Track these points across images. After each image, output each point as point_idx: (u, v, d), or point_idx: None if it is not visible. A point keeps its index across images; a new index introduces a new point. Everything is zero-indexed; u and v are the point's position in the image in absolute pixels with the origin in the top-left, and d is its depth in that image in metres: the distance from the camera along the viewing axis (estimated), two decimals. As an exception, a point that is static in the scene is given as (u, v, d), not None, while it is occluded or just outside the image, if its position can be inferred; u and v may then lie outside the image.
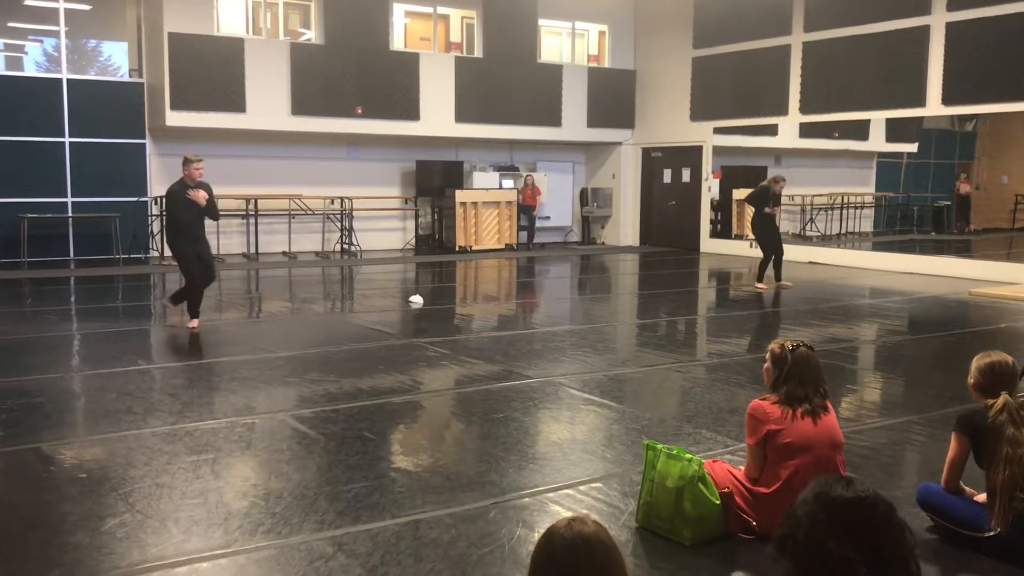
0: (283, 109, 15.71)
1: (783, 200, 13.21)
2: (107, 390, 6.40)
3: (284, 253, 16.68)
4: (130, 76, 16.26)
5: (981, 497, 3.79)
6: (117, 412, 5.80)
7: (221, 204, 15.83)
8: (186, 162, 8.84)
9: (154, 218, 15.64)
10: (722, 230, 18.88)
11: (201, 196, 8.75)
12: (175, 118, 14.87)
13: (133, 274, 13.90)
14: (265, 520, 4.02)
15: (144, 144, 15.68)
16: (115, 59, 17.06)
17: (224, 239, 16.30)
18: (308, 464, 4.83)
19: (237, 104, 15.28)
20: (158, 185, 15.83)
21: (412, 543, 3.79)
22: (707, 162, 18.23)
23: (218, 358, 7.59)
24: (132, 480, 4.52)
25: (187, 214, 8.81)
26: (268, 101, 15.52)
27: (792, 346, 3.89)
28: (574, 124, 18.81)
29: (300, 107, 15.80)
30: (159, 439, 5.22)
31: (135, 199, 15.46)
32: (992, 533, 3.62)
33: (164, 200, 8.97)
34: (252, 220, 16.39)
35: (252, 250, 16.43)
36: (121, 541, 3.79)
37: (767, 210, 12.38)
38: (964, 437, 3.81)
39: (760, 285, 12.38)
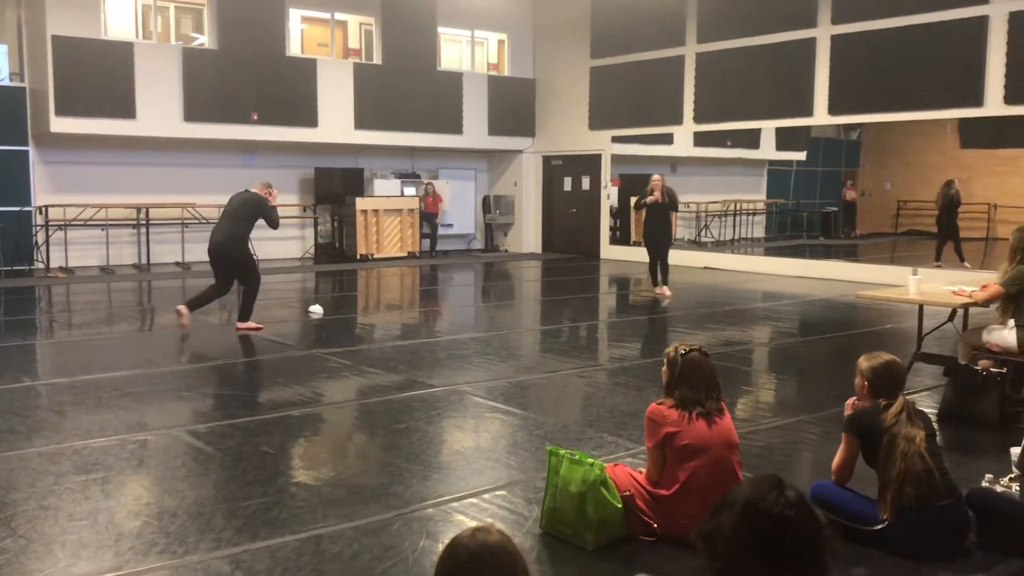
0: (175, 115, 15.28)
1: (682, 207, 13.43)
2: (-13, 409, 6.09)
3: (177, 263, 16.21)
4: (11, 80, 15.56)
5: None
6: (-2, 432, 5.53)
7: (110, 213, 15.51)
8: (270, 186, 9.96)
9: (39, 228, 15.01)
10: (621, 237, 19.20)
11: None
12: (60, 124, 14.31)
13: (17, 287, 13.28)
14: (159, 540, 3.88)
15: (27, 151, 15.04)
16: (-6, 62, 16.30)
17: (114, 249, 15.76)
18: (204, 481, 4.69)
19: (126, 110, 14.80)
20: (42, 194, 15.22)
21: (313, 559, 3.72)
22: (606, 170, 18.51)
23: (108, 373, 7.30)
24: (14, 503, 4.30)
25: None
26: (159, 107, 15.07)
27: (684, 351, 3.98)
28: (475, 132, 18.84)
29: (193, 113, 15.41)
30: (45, 459, 4.99)
31: (18, 208, 14.79)
32: (881, 526, 3.76)
33: (261, 209, 9.60)
34: (143, 230, 15.88)
35: (143, 260, 15.92)
36: (2, 568, 3.60)
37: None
38: (854, 437, 3.95)
39: (657, 290, 12.61)
